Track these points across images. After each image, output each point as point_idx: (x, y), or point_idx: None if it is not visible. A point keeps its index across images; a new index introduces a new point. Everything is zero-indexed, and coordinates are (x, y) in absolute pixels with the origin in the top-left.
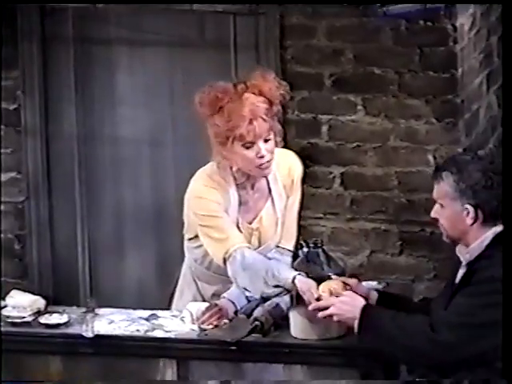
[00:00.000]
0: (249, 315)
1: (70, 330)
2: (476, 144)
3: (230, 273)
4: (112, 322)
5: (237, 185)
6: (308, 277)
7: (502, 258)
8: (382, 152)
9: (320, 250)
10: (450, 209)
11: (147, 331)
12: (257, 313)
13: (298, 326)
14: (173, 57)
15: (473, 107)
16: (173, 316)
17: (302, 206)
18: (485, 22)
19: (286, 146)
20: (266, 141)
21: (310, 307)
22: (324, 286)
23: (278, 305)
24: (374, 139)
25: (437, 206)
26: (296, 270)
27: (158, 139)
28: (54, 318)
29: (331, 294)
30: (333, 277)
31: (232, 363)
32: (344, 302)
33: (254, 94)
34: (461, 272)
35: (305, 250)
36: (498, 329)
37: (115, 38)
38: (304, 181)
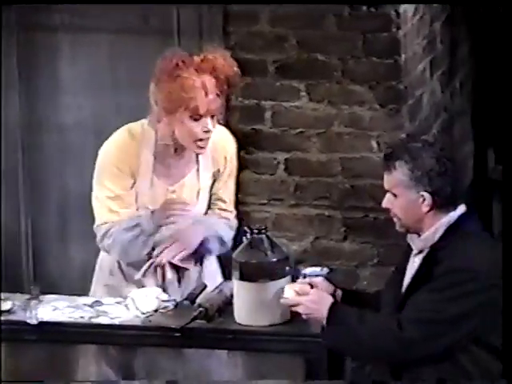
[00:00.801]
0: (193, 301)
1: (14, 317)
2: (420, 130)
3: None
4: (56, 309)
5: (157, 143)
6: (252, 264)
7: (502, 256)
8: (325, 138)
9: (264, 236)
10: (404, 198)
11: (91, 318)
12: (201, 299)
13: (242, 312)
14: (116, 44)
15: (416, 93)
16: (117, 303)
17: (246, 192)
18: (428, 8)
19: (229, 131)
20: (212, 117)
21: (283, 301)
22: (289, 288)
23: (221, 291)
24: (318, 125)
25: (389, 196)
26: (239, 256)
27: (103, 127)
28: None
29: (298, 295)
30: (298, 280)
31: (176, 349)
32: (311, 300)
33: (207, 68)
34: (416, 261)
35: (248, 236)
36: (463, 322)
37: (58, 24)
38: (239, 158)
